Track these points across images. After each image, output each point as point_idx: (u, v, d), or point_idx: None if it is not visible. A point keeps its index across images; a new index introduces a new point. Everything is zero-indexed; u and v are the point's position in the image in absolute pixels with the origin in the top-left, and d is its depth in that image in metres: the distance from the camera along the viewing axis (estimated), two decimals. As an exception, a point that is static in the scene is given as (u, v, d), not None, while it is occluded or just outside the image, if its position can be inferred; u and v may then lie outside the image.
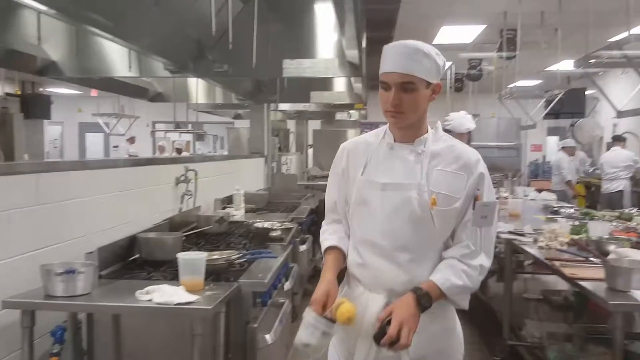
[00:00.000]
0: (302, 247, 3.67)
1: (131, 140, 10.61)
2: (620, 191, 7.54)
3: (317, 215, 4.89)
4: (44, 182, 2.11)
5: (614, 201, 7.26)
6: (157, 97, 5.26)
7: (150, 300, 1.73)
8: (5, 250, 1.90)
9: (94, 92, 8.81)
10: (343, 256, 1.65)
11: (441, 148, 1.59)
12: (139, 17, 2.63)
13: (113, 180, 2.63)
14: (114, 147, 12.31)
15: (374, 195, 1.57)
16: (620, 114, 4.30)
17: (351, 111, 8.90)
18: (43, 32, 3.09)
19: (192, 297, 1.75)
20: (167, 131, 9.30)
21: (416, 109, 1.53)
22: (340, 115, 9.42)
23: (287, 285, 2.65)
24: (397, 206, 1.55)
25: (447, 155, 1.58)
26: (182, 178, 3.35)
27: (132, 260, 2.40)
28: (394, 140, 1.61)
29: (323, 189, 5.72)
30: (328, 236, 1.69)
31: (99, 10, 2.29)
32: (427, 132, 1.62)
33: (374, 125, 16.82)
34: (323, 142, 9.57)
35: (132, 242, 2.43)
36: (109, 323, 2.06)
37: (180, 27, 3.06)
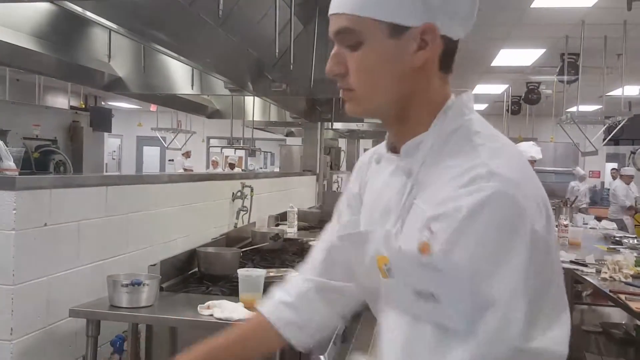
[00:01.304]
0: (353, 268, 3.65)
1: (187, 154, 10.93)
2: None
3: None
4: (112, 194, 2.20)
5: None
6: (214, 114, 5.42)
7: (211, 315, 1.76)
8: (74, 260, 1.98)
9: (153, 107, 9.14)
10: (266, 339, 1.02)
11: (443, 160, 0.78)
12: (203, 37, 2.73)
13: (175, 194, 2.70)
14: (170, 160, 12.70)
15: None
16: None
17: (402, 131, 8.88)
18: (112, 49, 3.25)
19: (252, 314, 1.76)
20: (223, 147, 9.54)
21: (372, 80, 0.81)
22: (391, 135, 9.41)
23: (339, 306, 2.64)
24: (363, 273, 0.89)
25: (446, 170, 0.77)
26: (239, 194, 3.41)
27: (191, 274, 2.45)
28: (389, 147, 0.92)
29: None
30: (276, 292, 1.07)
31: (166, 30, 2.39)
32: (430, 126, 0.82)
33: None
34: (373, 161, 9.56)
35: (191, 256, 2.48)
36: (167, 335, 2.10)
37: (243, 47, 3.15)
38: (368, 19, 0.78)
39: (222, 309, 1.75)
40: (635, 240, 4.59)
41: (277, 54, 2.95)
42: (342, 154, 8.76)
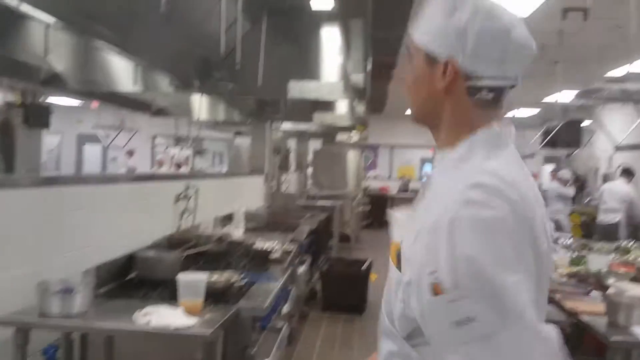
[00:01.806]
0: (300, 269, 3.64)
1: (130, 153, 10.59)
2: (616, 223, 7.54)
3: (316, 236, 4.86)
4: (45, 196, 2.09)
5: (610, 233, 7.25)
6: (159, 112, 5.26)
7: (148, 322, 1.70)
8: (3, 265, 1.87)
9: (94, 104, 8.81)
10: None
11: (447, 179, 0.93)
12: (147, 32, 2.64)
13: (114, 195, 2.60)
14: (112, 159, 12.29)
15: None
16: (619, 148, 4.32)
17: (352, 132, 8.93)
18: (50, 43, 3.10)
19: (191, 321, 1.72)
20: (167, 146, 9.29)
21: (413, 88, 1.01)
22: (341, 137, 9.45)
23: (285, 309, 2.62)
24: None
25: (441, 191, 0.93)
26: (183, 195, 3.33)
27: (129, 279, 2.37)
28: None
29: (322, 209, 5.75)
30: None
31: (107, 24, 2.30)
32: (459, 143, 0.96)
33: (374, 148, 16.54)
34: (323, 162, 9.59)
35: (130, 260, 2.40)
36: (102, 343, 2.01)
37: (188, 44, 3.08)
38: (416, 43, 0.99)
39: (160, 315, 1.70)
40: (571, 240, 4.78)
41: (222, 52, 2.89)
42: (292, 155, 8.74)
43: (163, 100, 5.08)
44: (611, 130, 4.77)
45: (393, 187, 13.91)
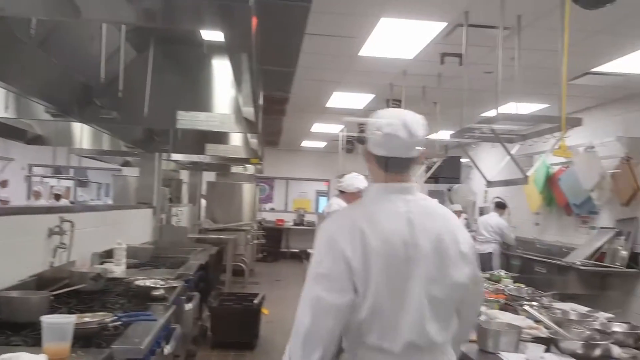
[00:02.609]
0: (188, 306, 3.50)
1: (3, 183, 9.67)
2: (490, 253, 8.13)
3: (206, 271, 4.72)
4: None
5: (483, 262, 7.78)
6: (35, 140, 4.89)
7: (4, 371, 1.54)
8: None
9: (-38, 129, 7.99)
10: None
11: None
12: (19, 57, 2.47)
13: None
14: (-19, 190, 11.16)
15: None
16: (490, 184, 4.70)
17: (247, 165, 8.90)
18: None
19: (55, 367, 1.58)
20: (44, 176, 8.60)
21: None
22: (235, 169, 9.38)
23: (167, 349, 2.50)
24: None
25: None
26: (56, 229, 3.09)
27: (-13, 323, 2.13)
28: None
29: (214, 242, 5.65)
30: None
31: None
32: None
33: (269, 180, 16.44)
34: (217, 194, 9.42)
35: (-11, 302, 2.17)
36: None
37: (67, 70, 2.92)
38: None
39: (18, 362, 1.54)
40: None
41: (103, 78, 2.78)
42: (184, 186, 8.49)
43: (40, 128, 4.74)
44: (484, 167, 5.19)
45: (289, 220, 13.96)
